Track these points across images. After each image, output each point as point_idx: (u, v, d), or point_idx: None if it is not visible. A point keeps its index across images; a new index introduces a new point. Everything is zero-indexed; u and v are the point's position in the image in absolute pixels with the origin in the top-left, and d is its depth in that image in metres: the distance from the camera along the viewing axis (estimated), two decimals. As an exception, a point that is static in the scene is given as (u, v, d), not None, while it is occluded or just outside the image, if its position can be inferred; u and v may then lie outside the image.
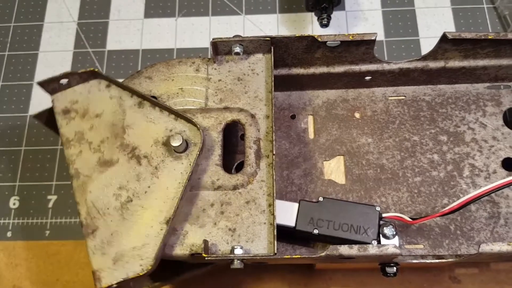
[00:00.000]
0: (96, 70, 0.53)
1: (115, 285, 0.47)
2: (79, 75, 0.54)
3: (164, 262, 0.49)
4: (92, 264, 0.48)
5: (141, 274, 0.46)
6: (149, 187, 0.49)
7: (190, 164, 0.49)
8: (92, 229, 0.49)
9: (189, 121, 0.50)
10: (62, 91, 0.55)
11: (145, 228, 0.48)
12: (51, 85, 0.54)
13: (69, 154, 0.52)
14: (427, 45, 0.72)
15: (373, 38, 0.53)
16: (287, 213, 0.52)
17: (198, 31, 0.75)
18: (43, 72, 0.74)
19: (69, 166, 0.52)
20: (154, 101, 0.52)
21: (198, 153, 0.48)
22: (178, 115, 0.50)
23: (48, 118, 0.56)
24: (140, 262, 0.47)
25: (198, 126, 0.49)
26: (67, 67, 0.74)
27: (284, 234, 0.53)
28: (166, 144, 0.50)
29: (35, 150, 0.70)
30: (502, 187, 0.49)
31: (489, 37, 0.53)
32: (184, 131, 0.50)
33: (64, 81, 0.54)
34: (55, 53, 0.75)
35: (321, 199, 0.52)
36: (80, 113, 0.53)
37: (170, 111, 0.51)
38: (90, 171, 0.51)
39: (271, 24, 0.75)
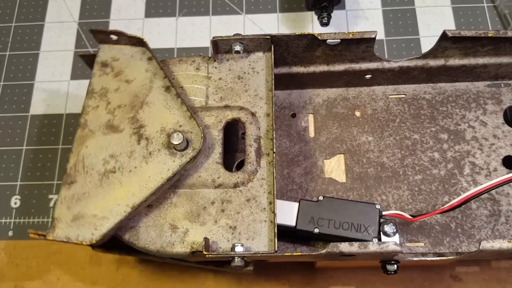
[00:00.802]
0: (144, 40, 0.54)
1: (64, 241, 0.48)
2: (129, 38, 0.55)
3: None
4: (55, 211, 0.50)
5: (85, 243, 0.47)
6: (135, 167, 0.50)
7: (179, 165, 0.49)
8: (71, 180, 0.51)
9: (198, 125, 0.50)
10: (110, 44, 0.56)
11: (112, 203, 0.49)
12: (102, 36, 0.55)
13: (87, 104, 0.54)
14: (427, 44, 0.72)
15: (373, 36, 0.53)
16: (288, 213, 0.52)
17: (199, 30, 0.75)
18: (44, 72, 0.74)
19: (81, 115, 0.54)
20: (180, 93, 0.52)
21: (190, 159, 0.49)
22: (193, 116, 0.50)
23: (90, 61, 0.57)
24: (93, 231, 0.48)
25: (202, 135, 0.49)
26: (68, 67, 0.74)
27: (285, 234, 0.53)
28: (170, 136, 0.50)
29: (36, 149, 0.70)
30: (503, 183, 0.49)
31: (489, 35, 0.53)
32: (190, 133, 0.50)
33: (114, 37, 0.55)
34: (56, 53, 0.75)
35: (321, 198, 0.52)
36: (114, 72, 0.55)
37: (188, 108, 0.51)
38: (96, 128, 0.52)
39: (271, 24, 0.75)
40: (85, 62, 0.58)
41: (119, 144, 0.51)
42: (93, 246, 0.48)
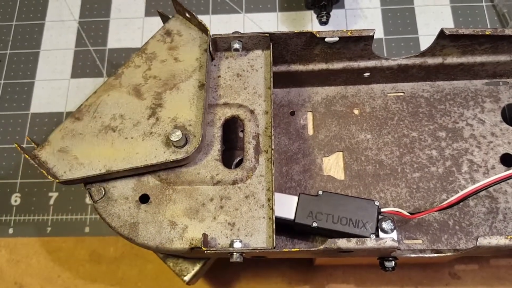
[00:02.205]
0: (209, 30, 0.54)
1: (40, 163, 0.51)
2: (199, 23, 0.55)
3: None
4: (52, 134, 0.53)
5: (54, 180, 0.50)
6: (132, 138, 0.51)
7: (165, 159, 0.50)
8: (78, 116, 0.53)
9: (200, 132, 0.50)
10: (183, 18, 0.57)
11: (94, 157, 0.51)
12: (179, 7, 0.56)
13: (132, 59, 0.56)
14: (426, 42, 0.72)
15: (371, 34, 0.53)
16: (287, 206, 0.52)
17: (199, 29, 0.76)
18: (44, 70, 0.74)
19: (122, 65, 0.56)
20: (206, 97, 0.52)
21: (174, 160, 0.49)
22: (203, 123, 0.50)
23: (164, 20, 0.58)
24: (66, 170, 0.51)
25: (199, 146, 0.49)
26: (68, 65, 0.74)
27: (283, 227, 0.53)
28: (175, 127, 0.51)
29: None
30: (500, 181, 0.49)
31: (487, 33, 0.53)
32: (194, 136, 0.50)
33: (187, 13, 0.56)
34: (56, 52, 0.76)
35: (320, 192, 0.52)
36: (171, 45, 0.56)
37: (204, 114, 0.51)
38: (125, 84, 0.54)
39: (271, 22, 0.75)
40: (161, 18, 0.59)
41: (133, 109, 0.53)
42: (58, 182, 0.50)
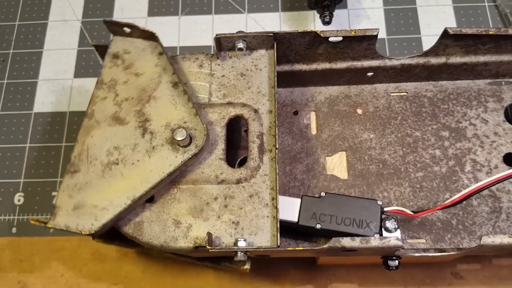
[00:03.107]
0: (156, 34, 0.54)
1: (63, 229, 0.49)
2: (141, 31, 0.55)
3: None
4: (57, 199, 0.51)
5: (84, 233, 0.48)
6: (138, 160, 0.51)
7: (180, 161, 0.50)
8: (74, 169, 0.51)
9: (202, 123, 0.50)
10: (123, 37, 0.56)
11: (113, 195, 0.49)
12: (114, 27, 0.56)
13: (95, 95, 0.54)
14: (428, 42, 0.72)
15: (375, 33, 0.53)
16: (290, 209, 0.52)
17: (201, 29, 0.76)
18: (47, 70, 0.75)
19: (89, 105, 0.54)
20: (187, 91, 0.52)
21: (190, 157, 0.49)
22: (198, 113, 0.51)
23: (103, 52, 0.58)
24: (92, 221, 0.49)
25: (206, 132, 0.49)
26: (71, 66, 0.75)
27: (287, 230, 0.53)
28: (174, 132, 0.51)
29: (40, 147, 0.70)
30: (503, 179, 0.49)
31: (490, 32, 0.53)
32: (194, 130, 0.51)
33: (127, 29, 0.55)
34: (59, 51, 0.76)
35: (323, 194, 0.52)
36: (125, 64, 0.55)
37: (194, 105, 0.51)
38: (102, 119, 0.53)
39: (273, 22, 0.76)
40: (98, 53, 0.58)
41: (123, 136, 0.52)
42: (93, 236, 0.49)
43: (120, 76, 0.55)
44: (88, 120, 0.53)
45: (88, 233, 0.48)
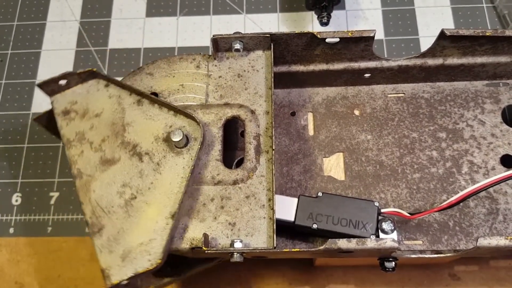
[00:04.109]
0: (95, 70, 0.54)
1: (125, 281, 0.47)
2: (78, 75, 0.54)
3: (171, 258, 0.49)
4: (100, 262, 0.48)
5: (150, 268, 0.46)
6: (152, 183, 0.50)
7: (191, 159, 0.50)
8: (98, 227, 0.49)
9: (188, 116, 0.50)
10: (61, 92, 0.55)
11: (151, 224, 0.48)
12: (50, 86, 0.54)
13: (70, 155, 0.53)
14: (426, 44, 0.72)
15: (371, 35, 0.53)
16: (287, 208, 0.52)
17: (199, 30, 0.76)
18: (45, 70, 0.75)
19: (71, 167, 0.52)
20: (153, 98, 0.52)
21: (199, 146, 0.49)
22: (177, 110, 0.51)
23: (48, 120, 0.56)
24: (148, 257, 0.47)
25: (198, 121, 0.49)
26: (69, 66, 0.75)
27: (283, 229, 0.53)
28: (167, 140, 0.51)
29: (37, 147, 0.70)
30: (500, 181, 0.49)
31: (487, 34, 0.53)
32: (184, 126, 0.51)
33: (63, 82, 0.54)
34: (57, 52, 0.76)
35: (320, 194, 0.52)
36: (80, 114, 0.54)
37: (169, 107, 0.51)
38: (93, 170, 0.52)
39: (271, 23, 0.76)
40: (42, 125, 0.57)
41: (124, 171, 0.51)
42: (159, 267, 0.47)
43: (83, 126, 0.53)
44: (79, 180, 0.51)
45: (155, 266, 0.46)
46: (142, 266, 0.47)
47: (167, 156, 0.50)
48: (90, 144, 0.53)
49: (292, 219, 0.52)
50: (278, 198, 0.51)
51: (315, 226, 0.51)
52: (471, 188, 0.50)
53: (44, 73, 0.74)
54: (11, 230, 0.66)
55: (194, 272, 0.55)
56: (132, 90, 0.53)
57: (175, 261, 0.51)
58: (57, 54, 0.76)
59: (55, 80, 0.53)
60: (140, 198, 0.50)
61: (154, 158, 0.51)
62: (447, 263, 0.61)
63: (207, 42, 0.75)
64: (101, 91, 0.54)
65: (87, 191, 0.51)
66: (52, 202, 0.67)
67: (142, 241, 0.48)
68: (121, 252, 0.48)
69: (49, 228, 0.66)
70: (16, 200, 0.68)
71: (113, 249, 0.48)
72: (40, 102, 0.72)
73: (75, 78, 0.54)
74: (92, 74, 0.54)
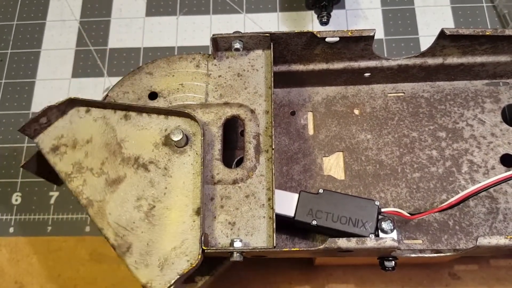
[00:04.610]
0: (72, 98, 0.53)
1: (172, 287, 0.47)
2: (57, 108, 0.53)
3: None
4: (140, 279, 0.48)
5: (192, 266, 0.47)
6: (166, 188, 0.50)
7: (197, 153, 0.50)
8: (126, 247, 0.49)
9: (180, 114, 0.50)
10: (43, 131, 0.54)
11: (177, 226, 0.48)
12: (32, 127, 0.53)
13: (74, 187, 0.52)
14: (426, 43, 0.72)
15: (371, 34, 0.53)
16: (287, 203, 0.52)
17: (199, 29, 0.76)
18: (45, 70, 0.75)
19: (78, 198, 0.52)
20: (139, 107, 0.52)
21: (201, 138, 0.49)
22: (167, 112, 0.51)
23: (37, 164, 0.56)
24: (186, 258, 0.47)
25: (192, 116, 0.49)
26: (69, 65, 0.75)
27: (283, 224, 0.53)
28: (166, 143, 0.51)
29: (37, 147, 0.70)
30: (501, 182, 0.49)
31: (487, 33, 0.53)
32: (179, 126, 0.51)
33: (43, 119, 0.53)
34: (57, 51, 0.76)
35: (321, 191, 0.52)
36: (70, 145, 0.53)
37: (158, 111, 0.51)
38: (102, 195, 0.51)
39: (271, 23, 0.76)
40: (32, 172, 0.56)
41: (134, 186, 0.51)
42: (198, 264, 0.47)
43: (77, 156, 0.53)
44: (92, 209, 0.51)
45: (195, 265, 0.47)
46: (182, 268, 0.47)
47: (172, 159, 0.50)
48: (90, 171, 0.52)
49: (292, 214, 0.52)
50: (279, 193, 0.51)
51: (314, 222, 0.51)
52: (471, 188, 0.50)
53: (43, 72, 0.74)
54: (11, 230, 0.66)
55: (224, 268, 0.54)
56: (115, 107, 0.53)
57: (209, 259, 0.51)
58: (57, 54, 0.76)
59: (35, 120, 0.52)
60: (159, 205, 0.49)
61: (159, 165, 0.51)
62: (447, 262, 0.61)
63: (207, 42, 0.75)
64: (84, 118, 0.54)
65: (103, 216, 0.50)
66: (52, 201, 0.67)
67: (174, 245, 0.48)
68: (157, 262, 0.48)
69: (49, 228, 0.66)
70: (16, 200, 0.68)
71: (148, 262, 0.48)
72: (40, 102, 0.72)
73: (54, 112, 0.53)
74: (71, 103, 0.53)
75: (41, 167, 0.55)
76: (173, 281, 0.47)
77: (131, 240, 0.49)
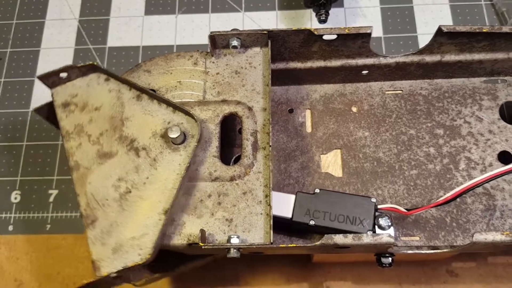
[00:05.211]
0: (95, 63, 0.54)
1: (114, 274, 0.47)
2: (79, 69, 0.54)
3: (163, 253, 0.49)
4: (92, 253, 0.49)
5: (140, 263, 0.47)
6: (147, 178, 0.50)
7: (188, 156, 0.50)
8: (92, 219, 0.50)
9: (186, 113, 0.51)
10: (61, 84, 0.55)
11: (144, 219, 0.49)
12: (51, 79, 0.55)
13: (69, 147, 0.53)
14: (425, 41, 0.71)
15: (368, 31, 0.53)
16: (284, 205, 0.52)
17: (198, 28, 0.76)
18: (44, 68, 0.74)
19: (68, 158, 0.53)
20: (152, 94, 0.52)
21: (196, 144, 0.49)
22: (176, 107, 0.51)
23: (48, 112, 0.57)
24: (139, 252, 0.48)
25: (196, 118, 0.49)
26: (68, 64, 0.75)
27: (281, 226, 0.53)
28: (164, 136, 0.51)
29: (37, 145, 0.70)
30: (497, 176, 0.49)
31: (484, 30, 0.53)
32: (182, 123, 0.51)
33: (63, 74, 0.55)
34: (56, 50, 0.76)
35: (317, 190, 0.53)
36: (79, 106, 0.54)
37: (168, 103, 0.52)
38: (90, 163, 0.52)
39: (270, 21, 0.76)
40: (42, 117, 0.57)
41: (120, 165, 0.51)
42: (148, 262, 0.47)
43: (82, 119, 0.54)
44: (76, 172, 0.52)
45: (144, 261, 0.47)
46: (132, 260, 0.47)
47: (163, 152, 0.51)
48: (88, 137, 0.53)
49: (290, 215, 0.52)
50: (275, 195, 0.51)
51: (312, 222, 0.51)
52: (467, 183, 0.50)
53: (43, 71, 0.73)
54: (10, 228, 0.66)
55: (187, 268, 0.55)
56: (132, 85, 0.53)
57: (166, 257, 0.52)
58: (56, 52, 0.76)
59: (55, 72, 0.54)
60: (135, 192, 0.50)
61: (151, 154, 0.51)
62: (444, 259, 0.61)
63: (206, 40, 0.74)
64: (101, 85, 0.54)
65: (83, 183, 0.51)
66: (51, 199, 0.68)
67: (134, 235, 0.48)
68: (113, 245, 0.48)
69: (48, 226, 0.66)
70: (15, 198, 0.68)
71: (105, 241, 0.49)
72: (39, 100, 0.72)
73: (75, 71, 0.55)
74: (93, 68, 0.55)
75: (51, 115, 0.56)
76: (117, 270, 0.47)
77: (98, 215, 0.50)
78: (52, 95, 0.56)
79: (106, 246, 0.49)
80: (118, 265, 0.47)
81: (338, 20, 0.75)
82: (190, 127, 0.51)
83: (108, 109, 0.53)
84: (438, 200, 0.51)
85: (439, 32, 0.54)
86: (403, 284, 0.61)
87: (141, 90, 0.53)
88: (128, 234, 0.48)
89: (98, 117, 0.53)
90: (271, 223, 0.47)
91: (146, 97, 0.53)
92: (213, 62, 0.55)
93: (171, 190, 0.49)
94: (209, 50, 0.56)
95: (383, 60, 0.58)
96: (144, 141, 0.51)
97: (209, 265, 0.60)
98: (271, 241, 0.46)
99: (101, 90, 0.54)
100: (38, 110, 0.57)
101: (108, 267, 0.48)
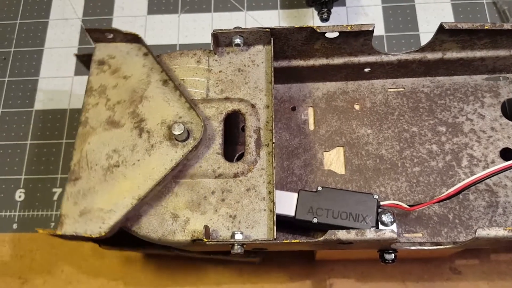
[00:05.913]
0: (139, 36, 0.55)
1: (69, 236, 0.49)
2: (124, 35, 0.56)
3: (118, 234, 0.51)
4: (62, 208, 0.50)
5: (93, 237, 0.48)
6: (138, 160, 0.51)
7: (181, 155, 0.50)
8: (76, 176, 0.51)
9: (197, 115, 0.51)
10: (105, 42, 0.57)
11: (118, 196, 0.50)
12: (96, 34, 0.56)
13: (86, 102, 0.55)
14: (427, 39, 0.71)
15: (371, 28, 0.54)
16: (287, 203, 0.52)
17: (200, 27, 0.76)
18: (48, 68, 0.75)
19: (81, 112, 0.54)
20: (178, 86, 0.53)
21: (191, 148, 0.49)
22: (192, 107, 0.51)
23: (86, 61, 0.58)
24: (100, 225, 0.49)
25: (203, 124, 0.50)
26: (71, 63, 0.75)
27: (284, 224, 0.54)
28: (170, 128, 0.51)
29: (41, 144, 0.71)
30: (499, 171, 0.49)
31: (486, 27, 0.53)
32: (190, 123, 0.51)
33: (108, 34, 0.56)
34: (60, 49, 0.76)
35: (320, 188, 0.53)
36: (112, 69, 0.55)
37: (187, 99, 0.52)
38: (97, 124, 0.53)
39: (272, 20, 0.76)
40: (80, 62, 0.58)
41: (121, 139, 0.52)
42: (101, 239, 0.48)
43: (109, 81, 0.55)
44: (83, 128, 0.53)
45: (98, 236, 0.48)
46: (91, 230, 0.48)
47: (163, 143, 0.51)
48: (107, 100, 0.54)
49: (293, 214, 0.52)
50: (278, 194, 0.52)
51: (315, 220, 0.51)
52: (469, 179, 0.50)
53: (46, 71, 0.75)
54: (15, 226, 0.67)
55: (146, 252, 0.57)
56: (164, 69, 0.54)
57: (121, 239, 0.53)
58: (59, 52, 0.76)
59: (102, 30, 0.56)
60: (122, 169, 0.51)
61: (151, 139, 0.51)
62: (447, 257, 0.61)
63: (208, 39, 0.74)
64: (138, 57, 0.56)
65: (84, 141, 0.53)
66: (55, 198, 0.68)
67: (103, 207, 0.49)
68: (83, 208, 0.50)
69: (52, 224, 0.66)
70: (20, 196, 0.68)
71: (78, 201, 0.50)
72: (43, 100, 0.73)
73: (120, 35, 0.56)
74: (137, 39, 0.56)
75: (87, 64, 0.58)
76: (75, 234, 0.48)
77: (83, 175, 0.51)
78: (94, 49, 0.57)
79: (76, 207, 0.50)
80: (79, 229, 0.49)
81: (340, 19, 0.75)
82: (196, 130, 0.51)
83: (134, 81, 0.54)
84: (440, 196, 0.51)
85: (441, 29, 0.54)
86: (406, 282, 0.61)
87: (170, 77, 0.53)
88: (99, 204, 0.50)
89: (123, 85, 0.54)
90: (275, 219, 0.47)
91: (172, 85, 0.53)
92: (216, 60, 0.56)
93: (153, 180, 0.49)
94: (212, 48, 0.56)
95: (385, 58, 0.58)
96: (152, 125, 0.52)
97: (213, 262, 0.61)
98: (275, 237, 0.46)
99: (136, 61, 0.55)
100: (79, 56, 0.58)
101: (70, 227, 0.49)
